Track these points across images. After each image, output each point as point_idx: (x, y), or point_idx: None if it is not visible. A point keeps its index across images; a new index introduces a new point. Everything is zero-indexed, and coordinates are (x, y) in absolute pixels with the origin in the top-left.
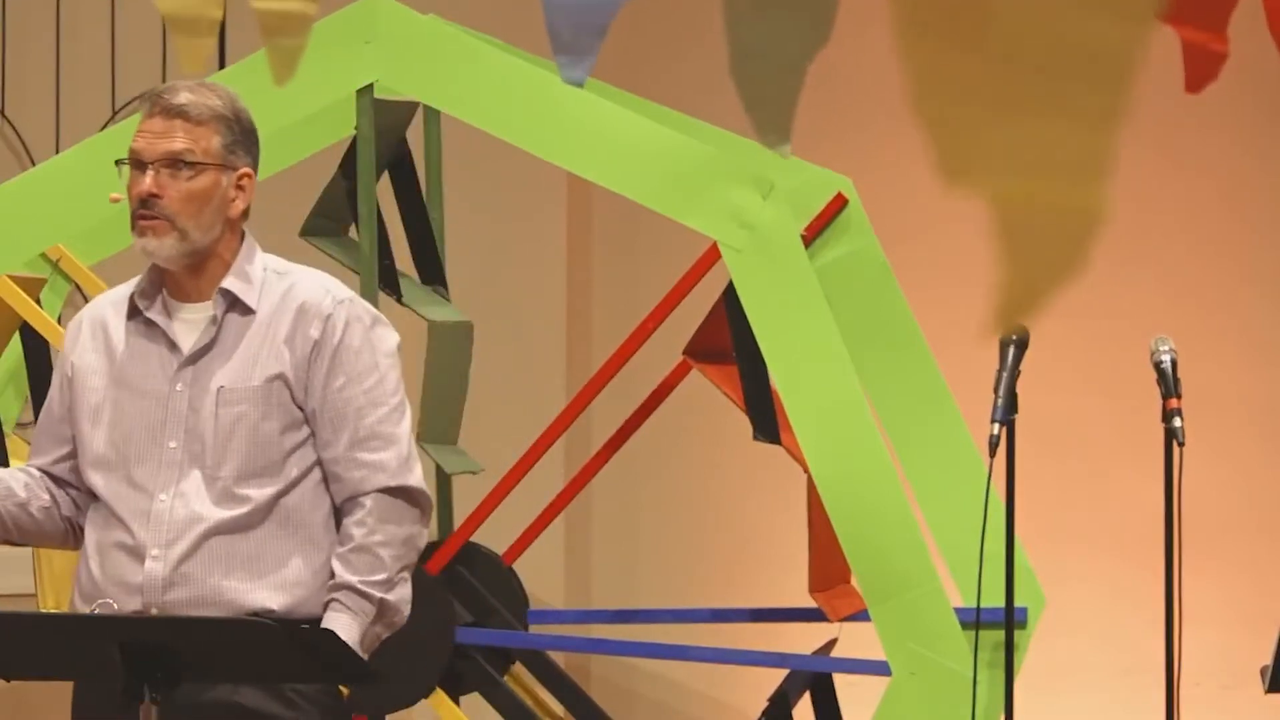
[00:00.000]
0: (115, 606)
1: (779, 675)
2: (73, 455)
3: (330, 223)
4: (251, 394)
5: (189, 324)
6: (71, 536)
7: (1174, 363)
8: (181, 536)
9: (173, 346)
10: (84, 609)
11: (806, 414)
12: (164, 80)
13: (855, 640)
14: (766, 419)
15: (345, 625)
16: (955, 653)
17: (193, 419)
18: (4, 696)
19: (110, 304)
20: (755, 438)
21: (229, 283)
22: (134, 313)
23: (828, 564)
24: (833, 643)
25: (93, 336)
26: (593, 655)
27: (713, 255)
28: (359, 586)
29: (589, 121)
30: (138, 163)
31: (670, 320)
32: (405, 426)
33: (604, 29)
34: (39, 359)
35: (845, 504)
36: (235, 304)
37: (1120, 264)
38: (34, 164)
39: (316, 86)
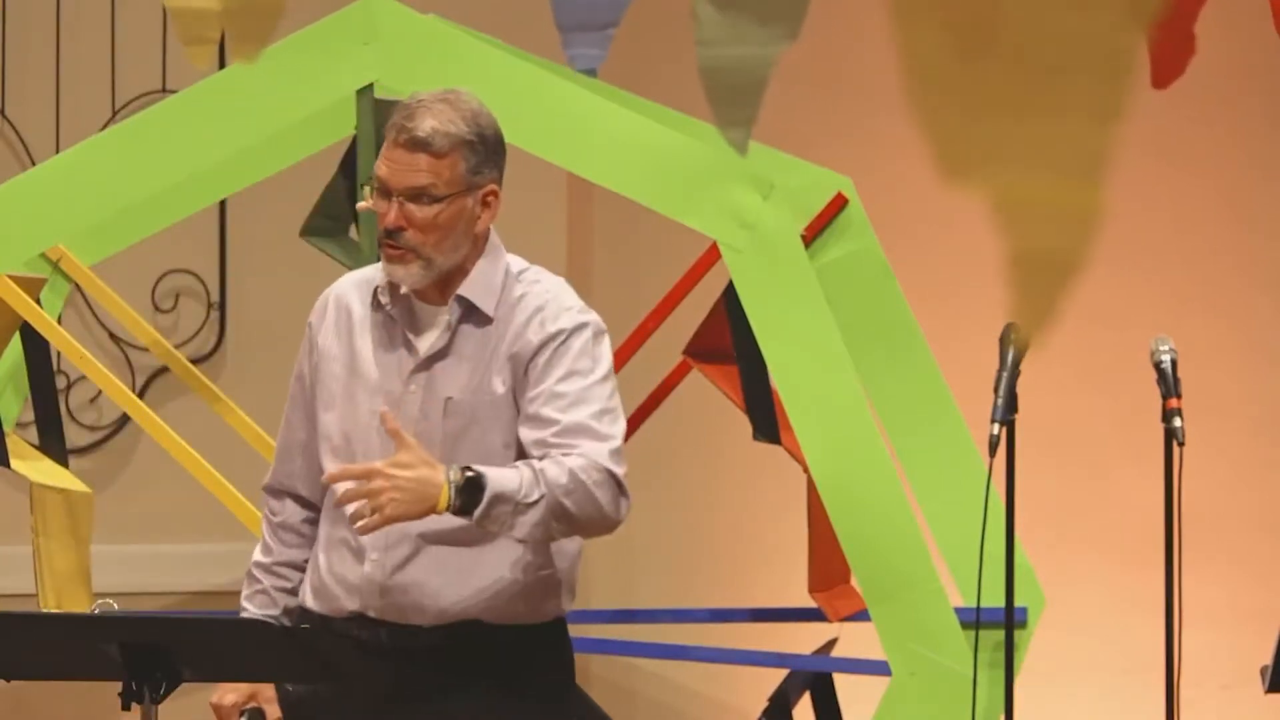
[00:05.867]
0: (115, 606)
1: (779, 675)
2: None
3: (330, 223)
4: (477, 406)
5: (429, 326)
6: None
7: (1174, 363)
8: (400, 542)
9: (410, 347)
10: (313, 606)
11: (806, 414)
12: (164, 80)
13: (855, 640)
14: (766, 419)
15: (508, 477)
16: (955, 653)
17: (423, 424)
18: (4, 696)
19: (354, 285)
20: (755, 438)
21: (466, 289)
22: (377, 304)
23: (828, 564)
24: (833, 643)
25: (336, 320)
26: (593, 655)
27: (713, 255)
28: (542, 470)
29: (589, 121)
30: (384, 190)
31: (670, 320)
32: (612, 425)
33: (613, 24)
34: (39, 359)
35: (845, 504)
36: (472, 311)
37: (1121, 264)
38: (34, 164)
39: (316, 86)
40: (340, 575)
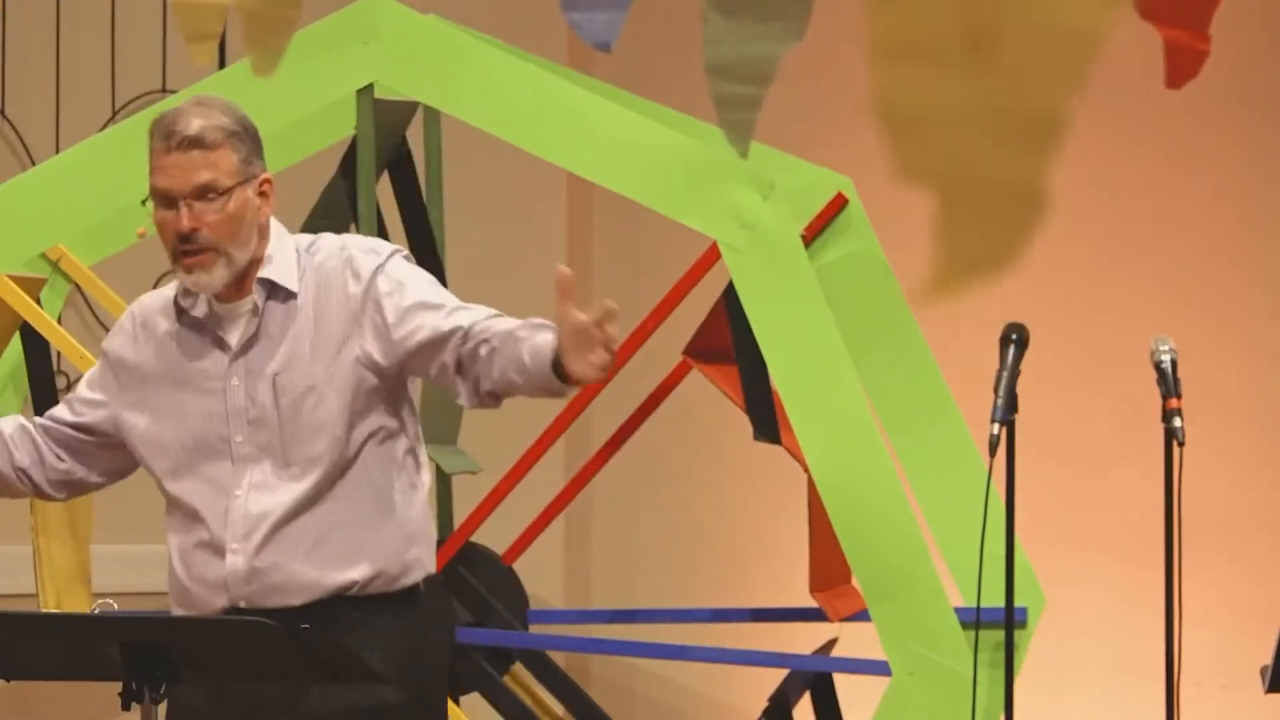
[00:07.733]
0: (115, 606)
1: (779, 675)
2: (84, 429)
3: (330, 223)
4: (306, 375)
5: (235, 320)
6: (15, 487)
7: (1174, 363)
8: (257, 528)
9: (222, 344)
10: (181, 612)
11: (806, 414)
12: (164, 80)
13: (855, 640)
14: (766, 419)
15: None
16: (955, 653)
17: (253, 410)
18: (4, 696)
19: (156, 308)
20: (755, 438)
21: (265, 272)
22: (181, 314)
23: (828, 564)
24: (833, 643)
25: (136, 333)
26: (593, 655)
27: (713, 255)
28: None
29: (589, 121)
30: (167, 200)
31: (670, 320)
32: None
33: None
34: (39, 359)
35: (845, 504)
36: (275, 290)
37: (1121, 264)
38: (34, 164)
39: (316, 86)
40: (201, 576)
